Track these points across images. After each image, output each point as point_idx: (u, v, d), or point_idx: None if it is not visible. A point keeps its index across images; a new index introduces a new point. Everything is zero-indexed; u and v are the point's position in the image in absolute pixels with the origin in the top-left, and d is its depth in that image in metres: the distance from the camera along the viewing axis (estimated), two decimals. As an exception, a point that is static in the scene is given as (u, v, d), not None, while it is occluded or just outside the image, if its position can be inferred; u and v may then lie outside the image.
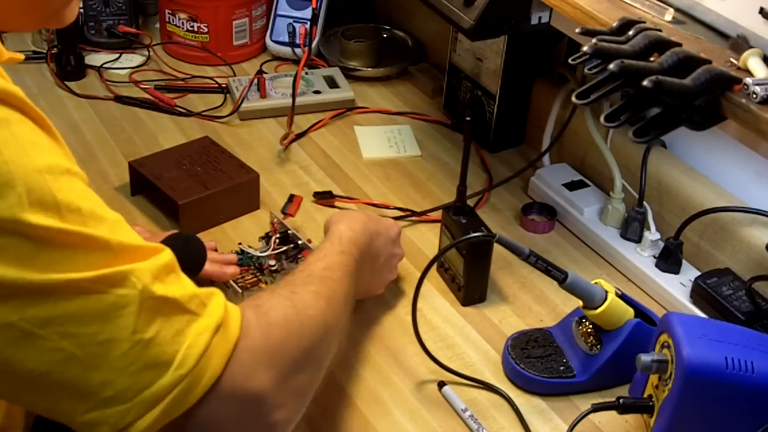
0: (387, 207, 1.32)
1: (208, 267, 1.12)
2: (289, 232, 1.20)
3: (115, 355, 0.66)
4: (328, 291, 0.88)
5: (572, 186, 1.32)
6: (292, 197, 1.32)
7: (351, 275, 0.95)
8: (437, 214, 1.30)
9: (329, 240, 1.00)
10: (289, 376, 0.77)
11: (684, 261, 1.18)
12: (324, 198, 1.33)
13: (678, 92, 0.88)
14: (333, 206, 1.33)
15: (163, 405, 0.68)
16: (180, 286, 0.72)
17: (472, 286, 1.15)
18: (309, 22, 1.60)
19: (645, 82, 0.86)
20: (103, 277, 0.65)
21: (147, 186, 1.29)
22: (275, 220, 1.21)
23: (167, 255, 0.72)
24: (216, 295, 0.74)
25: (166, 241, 1.05)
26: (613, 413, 0.95)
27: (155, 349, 0.68)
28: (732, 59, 0.93)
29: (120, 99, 1.55)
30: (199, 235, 1.22)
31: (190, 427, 0.71)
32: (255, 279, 1.16)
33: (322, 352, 0.83)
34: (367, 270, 1.04)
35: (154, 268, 0.69)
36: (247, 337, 0.74)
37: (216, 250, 1.19)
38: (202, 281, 1.11)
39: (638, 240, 1.22)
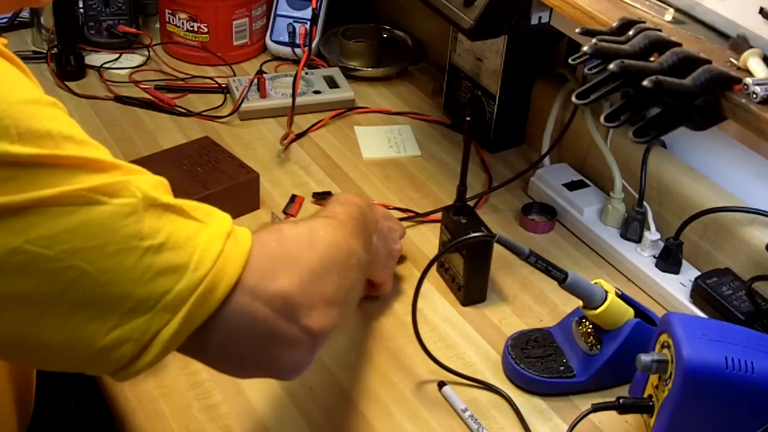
0: (386, 206, 1.32)
1: None
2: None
3: (127, 265, 0.65)
4: (334, 222, 0.87)
5: (572, 186, 1.32)
6: (293, 198, 1.32)
7: (357, 220, 0.93)
8: (436, 214, 1.31)
9: (327, 203, 0.99)
10: (311, 280, 0.75)
11: (684, 261, 1.18)
12: (323, 198, 1.33)
13: (678, 92, 0.87)
14: (332, 206, 1.33)
15: (185, 310, 0.67)
16: (180, 199, 0.71)
17: (472, 286, 1.15)
18: (309, 22, 1.60)
19: (645, 82, 0.86)
20: (101, 187, 0.65)
21: (147, 186, 1.29)
22: (276, 220, 1.21)
23: (162, 178, 0.72)
24: (219, 211, 0.74)
25: None
26: (613, 413, 0.95)
27: (168, 253, 0.67)
28: (732, 59, 0.93)
29: (120, 99, 1.55)
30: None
31: (218, 332, 0.70)
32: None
33: (339, 265, 0.81)
34: (373, 232, 1.03)
35: (152, 181, 0.69)
36: (261, 245, 0.73)
37: None
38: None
39: (638, 240, 1.22)
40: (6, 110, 0.62)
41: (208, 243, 0.69)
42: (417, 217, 1.31)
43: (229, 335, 0.71)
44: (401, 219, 1.29)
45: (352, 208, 0.96)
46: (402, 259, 1.20)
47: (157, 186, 0.70)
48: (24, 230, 0.62)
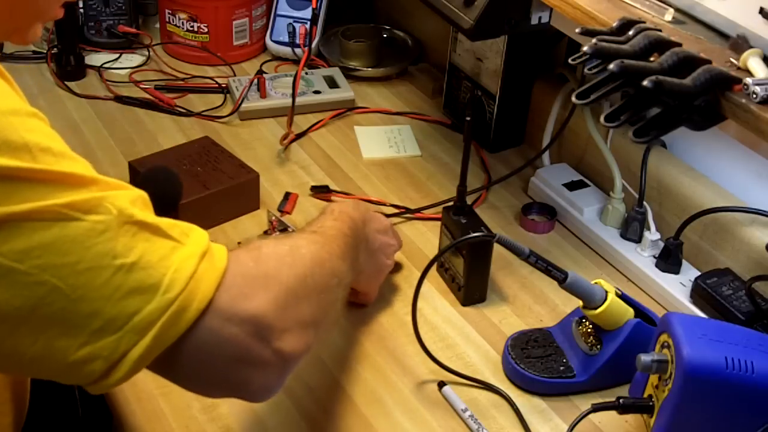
0: (383, 203, 1.32)
1: None
2: (289, 229, 1.20)
3: (98, 283, 0.65)
4: (321, 239, 0.86)
5: (572, 186, 1.32)
6: (288, 195, 1.32)
7: (346, 237, 0.92)
8: (433, 212, 1.31)
9: (322, 214, 0.98)
10: (288, 302, 0.74)
11: (684, 261, 1.18)
12: (321, 192, 1.34)
13: (678, 92, 0.87)
14: (329, 200, 1.33)
15: (154, 331, 0.67)
16: (157, 217, 0.70)
17: (472, 286, 1.15)
18: (309, 22, 1.60)
19: (645, 82, 0.86)
20: (77, 203, 0.65)
21: (147, 186, 1.29)
22: (273, 217, 1.21)
23: (141, 191, 0.71)
24: (197, 229, 0.73)
25: (144, 174, 1.05)
26: (613, 413, 0.95)
27: (140, 273, 0.66)
28: (732, 59, 0.93)
29: (120, 99, 1.55)
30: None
31: (188, 353, 0.69)
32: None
33: (319, 287, 0.80)
34: (362, 249, 1.02)
35: (130, 197, 0.69)
36: (238, 264, 0.73)
37: None
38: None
39: (638, 240, 1.22)
40: None
41: (181, 263, 0.68)
42: (409, 213, 1.31)
43: (199, 357, 0.70)
44: (395, 215, 1.29)
45: (345, 223, 0.95)
46: (397, 267, 1.19)
47: (135, 201, 0.69)
48: None
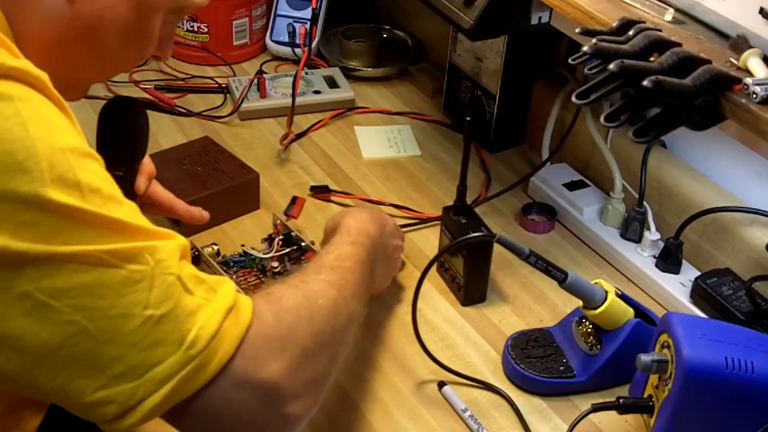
0: (382, 203, 1.32)
1: (162, 192, 1.10)
2: (292, 233, 1.20)
3: (126, 330, 0.66)
4: (339, 280, 0.87)
5: (572, 186, 1.32)
6: (295, 199, 1.32)
7: (363, 264, 0.94)
8: (431, 212, 1.31)
9: (339, 233, 0.99)
10: (301, 364, 0.76)
11: (684, 261, 1.18)
12: (320, 192, 1.34)
13: (678, 92, 0.87)
14: (329, 201, 1.33)
15: (172, 384, 0.68)
16: (192, 270, 0.72)
17: (472, 286, 1.15)
18: (309, 22, 1.60)
19: (645, 82, 0.86)
20: (119, 251, 0.66)
21: (147, 186, 1.29)
22: (278, 221, 1.21)
23: (181, 240, 0.72)
24: (226, 282, 0.74)
25: (105, 106, 1.04)
26: (613, 413, 0.95)
27: (167, 325, 0.68)
28: (732, 59, 0.93)
29: (120, 99, 1.55)
30: (199, 235, 1.23)
31: (199, 412, 0.71)
32: (258, 281, 1.16)
33: (334, 340, 0.81)
34: (380, 261, 1.03)
35: (170, 248, 0.70)
36: (259, 321, 0.74)
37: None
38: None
39: (638, 240, 1.22)
40: (46, 154, 0.63)
41: (207, 320, 0.70)
42: (417, 221, 1.31)
43: (207, 415, 0.71)
44: (399, 217, 1.29)
45: (363, 247, 0.96)
46: (405, 277, 1.19)
47: (174, 253, 0.70)
48: (36, 278, 0.64)
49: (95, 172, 0.68)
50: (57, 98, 0.68)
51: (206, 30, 1.66)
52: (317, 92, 1.57)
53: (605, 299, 1.00)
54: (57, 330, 0.65)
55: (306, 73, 1.60)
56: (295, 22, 1.69)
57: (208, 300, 0.71)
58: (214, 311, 0.71)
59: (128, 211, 0.69)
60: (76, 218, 0.65)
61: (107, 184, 0.68)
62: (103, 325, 0.66)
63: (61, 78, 0.72)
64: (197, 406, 0.71)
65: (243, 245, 1.21)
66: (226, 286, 0.74)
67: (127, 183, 1.03)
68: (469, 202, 1.17)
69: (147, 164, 1.08)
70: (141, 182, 1.07)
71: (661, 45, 0.94)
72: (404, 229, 1.27)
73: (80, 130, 0.70)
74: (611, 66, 0.90)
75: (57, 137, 0.65)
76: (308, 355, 0.77)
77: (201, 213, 1.15)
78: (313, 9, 1.55)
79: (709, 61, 0.91)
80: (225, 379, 0.71)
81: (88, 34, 0.78)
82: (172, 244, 0.71)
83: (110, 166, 1.01)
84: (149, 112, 1.51)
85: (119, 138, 1.01)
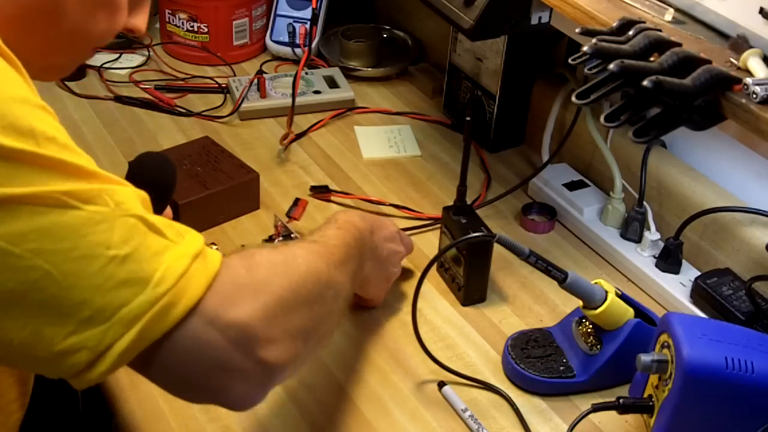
0: (382, 203, 1.32)
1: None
2: (292, 235, 1.20)
3: (90, 271, 0.65)
4: (321, 249, 0.86)
5: (572, 186, 1.32)
6: (297, 201, 1.32)
7: (349, 247, 0.92)
8: (431, 212, 1.31)
9: (325, 222, 0.98)
10: (278, 313, 0.74)
11: (684, 261, 1.18)
12: (320, 192, 1.34)
13: (678, 92, 0.87)
14: (329, 201, 1.33)
15: (140, 324, 0.67)
16: (157, 217, 0.71)
17: (472, 286, 1.15)
18: (309, 22, 1.60)
19: (645, 82, 0.86)
20: (77, 192, 0.65)
21: (147, 186, 1.29)
22: (279, 223, 1.21)
23: (143, 192, 0.71)
24: (193, 232, 0.73)
25: (135, 159, 1.05)
26: (613, 413, 0.95)
27: (132, 265, 0.67)
28: (732, 59, 0.93)
29: (120, 99, 1.55)
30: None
31: (170, 352, 0.69)
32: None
33: (313, 298, 0.79)
34: (369, 258, 1.02)
35: (129, 193, 0.69)
36: (229, 270, 0.73)
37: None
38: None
39: (638, 240, 1.22)
40: None
41: (174, 261, 0.69)
42: (417, 222, 1.31)
43: (178, 358, 0.70)
44: (399, 218, 1.29)
45: (349, 232, 0.95)
46: (407, 274, 1.19)
47: (133, 198, 0.70)
48: None
49: (50, 123, 0.66)
50: (8, 55, 0.67)
51: (206, 30, 1.66)
52: (317, 92, 1.57)
53: (605, 299, 1.00)
54: (20, 277, 0.64)
55: (306, 73, 1.60)
56: (295, 22, 1.69)
57: (175, 242, 0.70)
58: (182, 254, 0.70)
59: (86, 160, 0.68)
60: (32, 162, 0.63)
61: (62, 135, 0.67)
62: (66, 268, 0.65)
63: (33, 53, 0.71)
64: (167, 350, 0.69)
65: (243, 245, 1.21)
66: (194, 235, 0.73)
67: None
68: (469, 202, 1.17)
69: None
70: None
71: (661, 45, 0.94)
72: (404, 230, 1.26)
73: (35, 90, 0.69)
74: (611, 66, 0.90)
75: (8, 89, 0.64)
76: (285, 305, 0.75)
77: None
78: (313, 9, 1.54)
79: (709, 61, 0.91)
80: (195, 320, 0.69)
81: (47, 4, 0.76)
82: (130, 190, 0.70)
83: None
84: (149, 112, 1.52)
85: (153, 192, 1.02)
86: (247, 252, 0.78)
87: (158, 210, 1.04)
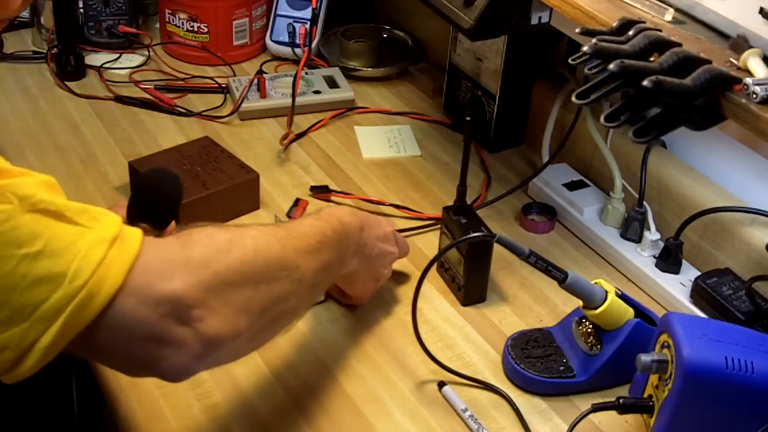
0: (382, 203, 1.32)
1: None
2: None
3: (2, 273, 0.65)
4: (281, 232, 0.85)
5: (572, 186, 1.32)
6: (297, 201, 1.32)
7: (323, 236, 0.91)
8: (431, 212, 1.31)
9: (310, 214, 0.98)
10: (215, 287, 0.74)
11: (684, 261, 1.18)
12: (320, 192, 1.34)
13: (678, 92, 0.87)
14: (329, 201, 1.33)
15: (62, 319, 0.66)
16: (69, 201, 0.70)
17: (472, 286, 1.15)
18: (309, 22, 1.60)
19: (645, 82, 0.86)
20: None
21: (147, 186, 1.29)
22: (279, 223, 1.21)
23: (48, 177, 0.70)
24: (109, 214, 0.72)
25: (144, 175, 1.05)
26: (613, 413, 0.95)
27: (45, 261, 0.66)
28: (732, 59, 0.93)
29: (120, 99, 1.55)
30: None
31: (101, 334, 0.69)
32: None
33: (259, 274, 0.79)
34: (354, 254, 1.01)
35: (33, 182, 0.68)
36: (158, 247, 0.72)
37: None
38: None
39: (638, 240, 1.22)
40: None
41: (89, 250, 0.68)
42: (417, 222, 1.31)
43: (112, 337, 0.70)
44: (399, 218, 1.29)
45: (328, 224, 0.94)
46: (402, 278, 1.19)
47: (39, 187, 0.68)
48: None
49: None
50: None
51: (206, 30, 1.66)
52: (317, 92, 1.57)
53: (605, 299, 1.00)
54: None
55: (306, 73, 1.60)
56: (295, 22, 1.69)
57: (89, 228, 0.69)
58: (97, 240, 0.69)
59: None
60: None
61: None
62: None
63: None
64: (99, 332, 0.69)
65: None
66: (109, 217, 0.72)
67: None
68: (469, 202, 1.17)
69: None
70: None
71: (661, 45, 0.94)
72: (404, 230, 1.27)
73: None
74: (611, 66, 0.90)
75: None
76: (223, 280, 0.74)
77: None
78: (313, 9, 1.54)
79: (709, 61, 0.91)
80: (122, 300, 0.69)
81: None
82: (34, 179, 0.69)
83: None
84: (149, 112, 1.52)
85: (159, 208, 1.03)
86: (185, 231, 0.77)
87: (165, 224, 1.05)
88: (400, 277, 1.19)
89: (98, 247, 0.68)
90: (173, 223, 1.08)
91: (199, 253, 0.75)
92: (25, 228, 0.66)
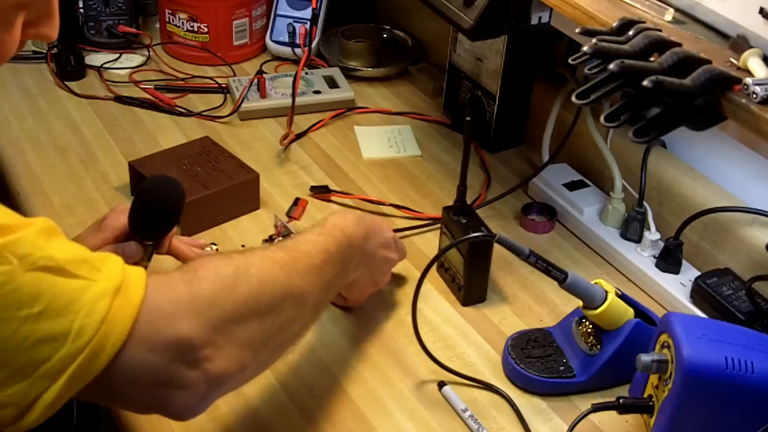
0: (382, 203, 1.32)
1: (183, 248, 1.09)
2: (292, 235, 1.20)
3: (4, 335, 0.64)
4: (285, 257, 0.85)
5: (572, 186, 1.32)
6: (297, 200, 1.32)
7: (327, 254, 0.91)
8: (431, 212, 1.31)
9: (315, 224, 0.97)
10: (221, 326, 0.74)
11: (684, 261, 1.18)
12: (320, 192, 1.34)
13: (678, 92, 0.87)
14: (329, 201, 1.33)
15: (66, 376, 0.66)
16: (66, 249, 0.69)
17: (472, 286, 1.15)
18: (309, 22, 1.60)
19: (645, 82, 0.86)
20: None
21: (147, 186, 1.29)
22: (279, 223, 1.21)
23: (45, 221, 0.69)
24: (110, 259, 0.71)
25: (146, 183, 1.05)
26: (613, 413, 0.95)
27: (47, 322, 0.65)
28: (732, 59, 0.93)
29: (120, 99, 1.55)
30: (200, 235, 1.23)
31: (108, 383, 0.69)
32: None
33: (266, 307, 0.79)
34: (358, 264, 1.01)
35: (33, 234, 0.67)
36: (164, 288, 0.72)
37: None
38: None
39: (638, 240, 1.22)
40: None
41: (92, 306, 0.67)
42: (417, 222, 1.31)
43: (119, 386, 0.70)
44: (399, 218, 1.29)
45: (333, 239, 0.93)
46: (400, 280, 1.19)
47: (38, 238, 0.67)
48: None
49: None
50: None
51: (206, 30, 1.66)
52: (317, 92, 1.57)
53: (605, 299, 1.00)
54: None
55: (306, 73, 1.60)
56: (295, 22, 1.69)
57: (92, 281, 0.68)
58: (100, 293, 0.68)
59: None
60: None
61: None
62: None
63: None
64: (106, 383, 0.68)
65: (243, 245, 1.21)
66: (111, 263, 0.71)
67: (153, 250, 1.05)
68: (469, 202, 1.17)
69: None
70: (164, 246, 1.07)
71: (661, 45, 0.94)
72: (404, 230, 1.27)
73: None
74: (611, 66, 0.90)
75: None
76: (229, 318, 0.75)
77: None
78: (313, 9, 1.55)
79: (709, 61, 0.91)
80: (129, 350, 0.68)
81: None
82: (32, 231, 0.67)
83: (141, 237, 1.02)
84: (149, 112, 1.52)
85: (158, 217, 1.03)
86: (190, 266, 0.77)
87: (166, 231, 1.05)
88: (400, 278, 1.19)
89: (101, 301, 0.68)
90: (175, 228, 1.08)
91: (205, 291, 0.74)
92: (25, 289, 0.65)
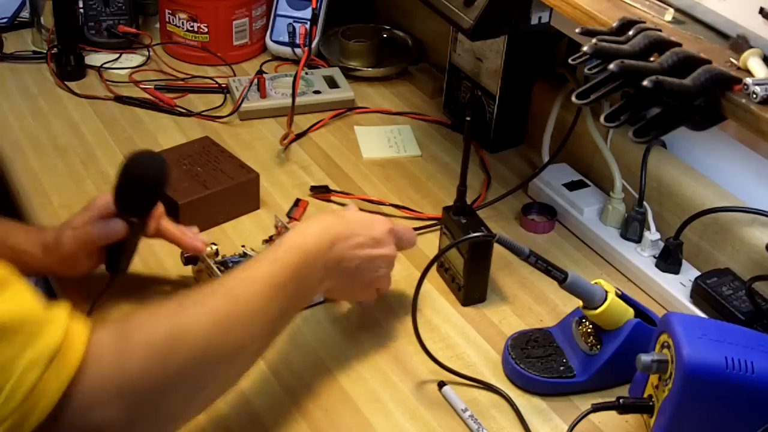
0: (382, 203, 1.32)
1: (172, 229, 1.08)
2: (243, 262, 1.19)
3: None
4: (224, 310, 0.82)
5: (572, 186, 1.32)
6: (298, 201, 1.32)
7: (278, 287, 0.88)
8: (431, 212, 1.31)
9: (272, 245, 0.95)
10: (148, 400, 0.73)
11: (684, 261, 1.18)
12: (320, 192, 1.34)
13: (678, 92, 0.87)
14: (329, 201, 1.33)
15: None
16: (10, 305, 0.68)
17: (472, 286, 1.15)
18: (309, 22, 1.60)
19: (645, 82, 0.86)
20: None
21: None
22: (279, 223, 1.21)
23: (2, 269, 0.69)
24: (56, 317, 0.71)
25: (129, 159, 1.04)
26: (613, 413, 0.95)
27: None
28: (732, 59, 0.93)
29: (120, 99, 1.55)
30: (199, 235, 1.23)
31: None
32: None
33: (197, 375, 0.78)
34: (322, 277, 0.97)
35: None
36: (95, 362, 0.71)
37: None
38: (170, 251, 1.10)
39: (638, 240, 1.22)
40: None
41: (24, 372, 0.67)
42: (417, 222, 1.31)
43: None
44: (399, 218, 1.29)
45: (284, 265, 0.90)
46: (404, 278, 1.18)
47: None
48: None
49: None
50: None
51: (206, 30, 1.66)
52: (317, 92, 1.57)
53: (605, 299, 1.00)
54: None
55: (306, 73, 1.60)
56: (295, 22, 1.69)
57: (29, 344, 0.68)
58: (34, 361, 0.68)
59: None
60: None
61: None
62: None
63: None
64: None
65: (243, 246, 1.21)
66: (55, 324, 0.70)
67: (139, 228, 1.05)
68: (469, 202, 1.17)
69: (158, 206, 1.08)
70: (151, 226, 1.07)
71: (661, 45, 0.94)
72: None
73: None
74: (611, 66, 0.90)
75: None
76: (159, 390, 0.74)
77: (203, 245, 1.12)
78: (313, 9, 1.55)
79: (709, 61, 0.91)
80: (54, 425, 0.68)
81: None
82: None
83: (126, 214, 1.02)
84: (149, 112, 1.52)
85: (140, 191, 1.03)
86: (124, 329, 0.75)
87: (151, 207, 1.05)
88: (400, 277, 1.19)
89: (33, 371, 0.68)
90: (160, 206, 1.08)
91: (134, 368, 0.73)
92: None
